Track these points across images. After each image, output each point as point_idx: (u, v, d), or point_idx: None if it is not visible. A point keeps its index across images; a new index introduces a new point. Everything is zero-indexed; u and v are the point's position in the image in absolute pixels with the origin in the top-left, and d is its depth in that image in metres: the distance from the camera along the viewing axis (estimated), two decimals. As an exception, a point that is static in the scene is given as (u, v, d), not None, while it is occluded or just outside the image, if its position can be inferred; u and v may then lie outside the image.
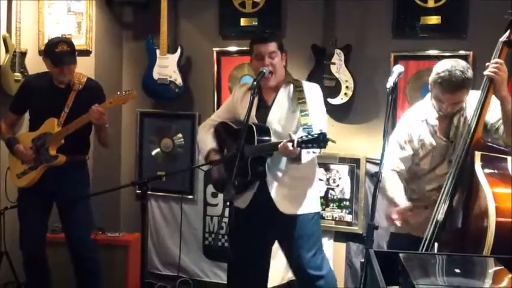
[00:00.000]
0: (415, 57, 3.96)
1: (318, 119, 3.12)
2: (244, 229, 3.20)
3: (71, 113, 3.57)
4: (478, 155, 2.62)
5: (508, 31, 2.66)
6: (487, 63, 2.69)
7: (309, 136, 2.82)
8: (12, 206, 3.91)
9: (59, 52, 3.52)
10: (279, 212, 3.17)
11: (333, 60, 4.00)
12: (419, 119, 3.00)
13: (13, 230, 3.92)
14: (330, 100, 4.01)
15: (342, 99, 4.02)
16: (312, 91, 3.24)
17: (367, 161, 4.03)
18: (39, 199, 3.65)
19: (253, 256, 3.32)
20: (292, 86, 3.23)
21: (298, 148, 2.87)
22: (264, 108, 3.24)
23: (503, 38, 2.66)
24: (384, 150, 2.65)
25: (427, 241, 2.71)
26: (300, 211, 3.22)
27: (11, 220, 3.97)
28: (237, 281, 3.37)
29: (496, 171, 2.59)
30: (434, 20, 3.91)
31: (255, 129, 3.11)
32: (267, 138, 3.12)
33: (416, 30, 3.95)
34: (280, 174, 3.19)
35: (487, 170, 2.57)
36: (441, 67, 2.80)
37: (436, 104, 2.91)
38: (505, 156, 2.63)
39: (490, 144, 2.70)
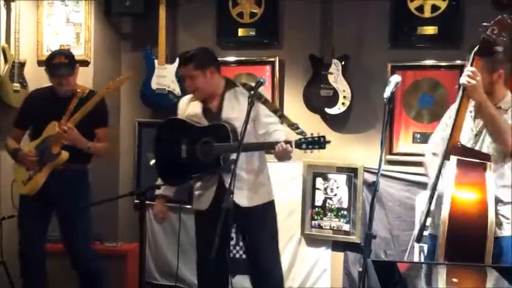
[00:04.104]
0: (412, 67, 3.98)
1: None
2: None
3: (72, 116, 3.58)
4: (453, 159, 2.71)
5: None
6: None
7: (309, 139, 2.93)
8: (9, 216, 3.91)
9: (56, 64, 3.58)
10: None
11: (330, 70, 4.02)
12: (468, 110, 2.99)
13: (10, 240, 3.92)
14: (327, 110, 4.03)
15: (339, 109, 4.03)
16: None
17: (364, 171, 4.03)
18: (40, 208, 3.66)
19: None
20: (238, 88, 3.30)
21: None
22: (211, 113, 3.31)
23: (476, 49, 2.76)
24: (381, 160, 2.67)
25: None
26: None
27: (9, 230, 3.96)
28: None
29: (467, 176, 2.67)
30: (430, 30, 3.94)
31: (229, 129, 3.16)
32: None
33: (413, 40, 3.99)
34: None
35: (458, 175, 2.66)
36: None
37: None
38: (481, 162, 2.70)
39: (468, 148, 2.78)
